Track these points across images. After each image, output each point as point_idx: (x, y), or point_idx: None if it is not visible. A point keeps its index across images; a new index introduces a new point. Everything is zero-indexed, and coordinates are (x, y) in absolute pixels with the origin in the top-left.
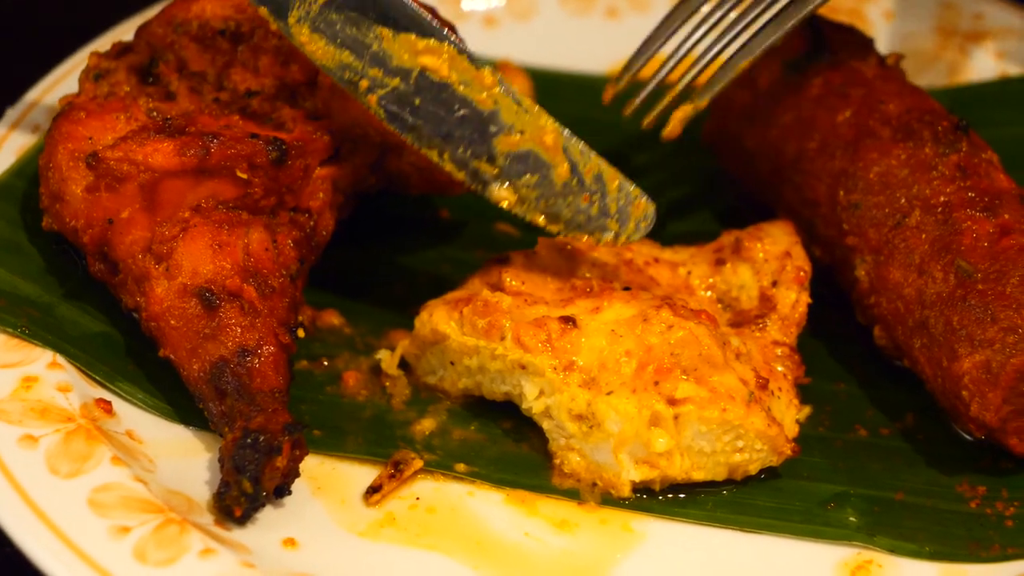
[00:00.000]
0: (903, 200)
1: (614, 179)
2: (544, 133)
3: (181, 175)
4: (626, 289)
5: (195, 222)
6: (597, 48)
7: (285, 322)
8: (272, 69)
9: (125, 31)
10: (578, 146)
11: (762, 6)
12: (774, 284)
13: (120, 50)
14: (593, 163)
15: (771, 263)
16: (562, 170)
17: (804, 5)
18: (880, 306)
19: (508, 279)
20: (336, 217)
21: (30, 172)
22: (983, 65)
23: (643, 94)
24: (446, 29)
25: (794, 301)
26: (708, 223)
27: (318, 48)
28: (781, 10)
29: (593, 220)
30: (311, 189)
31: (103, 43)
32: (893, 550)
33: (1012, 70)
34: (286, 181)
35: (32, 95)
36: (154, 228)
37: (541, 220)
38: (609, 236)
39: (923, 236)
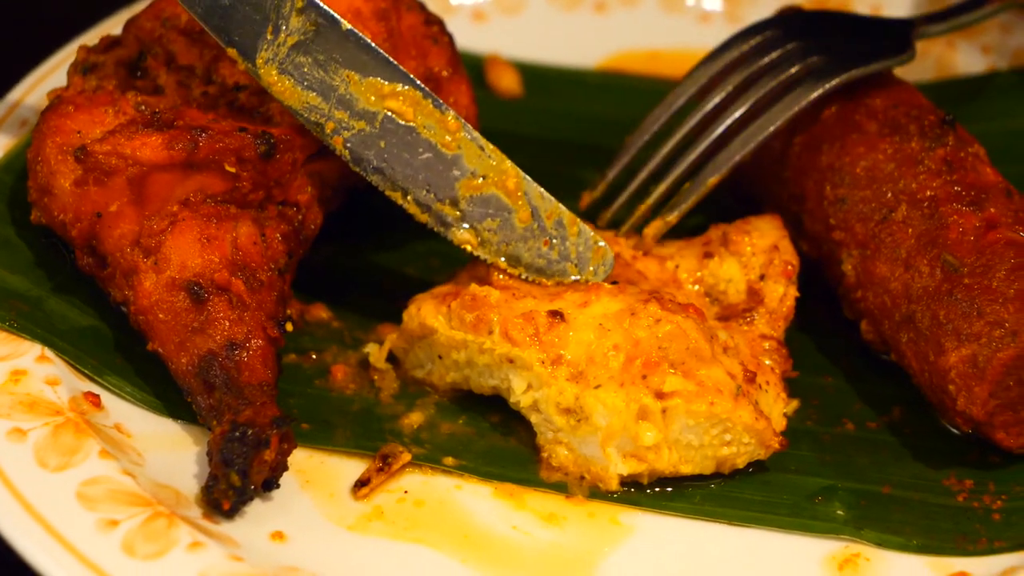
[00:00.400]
0: (889, 194)
1: (573, 224)
2: (506, 178)
3: (169, 169)
4: (614, 283)
5: (183, 216)
6: (585, 42)
7: (273, 316)
8: None
9: (113, 25)
10: (538, 191)
11: (730, 119)
12: (762, 278)
13: (108, 44)
14: (553, 208)
15: (759, 257)
16: (523, 214)
17: (770, 121)
18: (867, 300)
19: (496, 273)
20: (324, 211)
21: (18, 166)
22: (970, 59)
23: (616, 204)
24: (418, 80)
25: (782, 295)
26: (696, 217)
27: (285, 89)
28: (749, 122)
29: (553, 264)
30: (299, 183)
31: (91, 37)
32: (880, 543)
33: (999, 64)
34: (274, 175)
35: (20, 89)
36: (142, 222)
37: (502, 263)
38: (568, 280)
39: (909, 230)
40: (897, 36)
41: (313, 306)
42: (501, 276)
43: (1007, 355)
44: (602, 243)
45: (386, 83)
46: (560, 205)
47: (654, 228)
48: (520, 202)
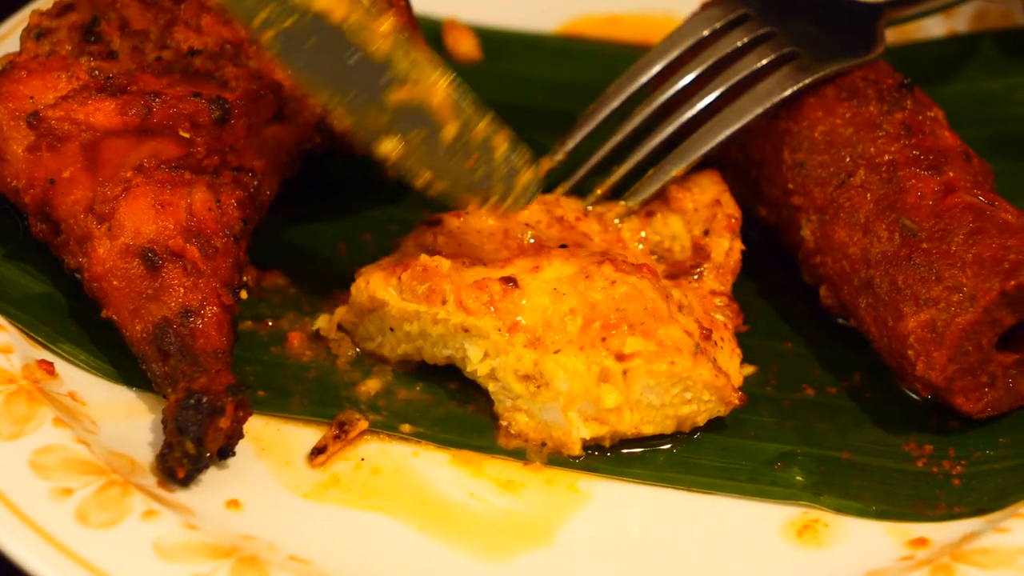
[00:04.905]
0: (848, 159)
1: (502, 145)
2: (435, 89)
3: (123, 134)
4: (563, 246)
5: (137, 182)
6: (544, 6)
7: (228, 282)
8: (215, 28)
9: None
10: (471, 107)
11: (697, 107)
12: (706, 233)
13: (62, 8)
14: (483, 127)
15: (701, 212)
16: (450, 129)
17: (736, 116)
18: (826, 265)
19: (443, 241)
20: (280, 177)
21: None
22: (930, 23)
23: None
24: None
25: (727, 248)
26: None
27: None
28: (716, 111)
29: (476, 184)
30: (255, 149)
31: (45, 2)
32: (839, 509)
33: (959, 27)
34: (229, 140)
35: None
36: (96, 188)
37: (425, 177)
38: (492, 201)
39: (868, 195)
40: (866, 22)
41: (269, 273)
42: (448, 243)
43: (966, 320)
44: (529, 168)
45: None
46: (492, 124)
47: (615, 212)
48: (448, 116)
